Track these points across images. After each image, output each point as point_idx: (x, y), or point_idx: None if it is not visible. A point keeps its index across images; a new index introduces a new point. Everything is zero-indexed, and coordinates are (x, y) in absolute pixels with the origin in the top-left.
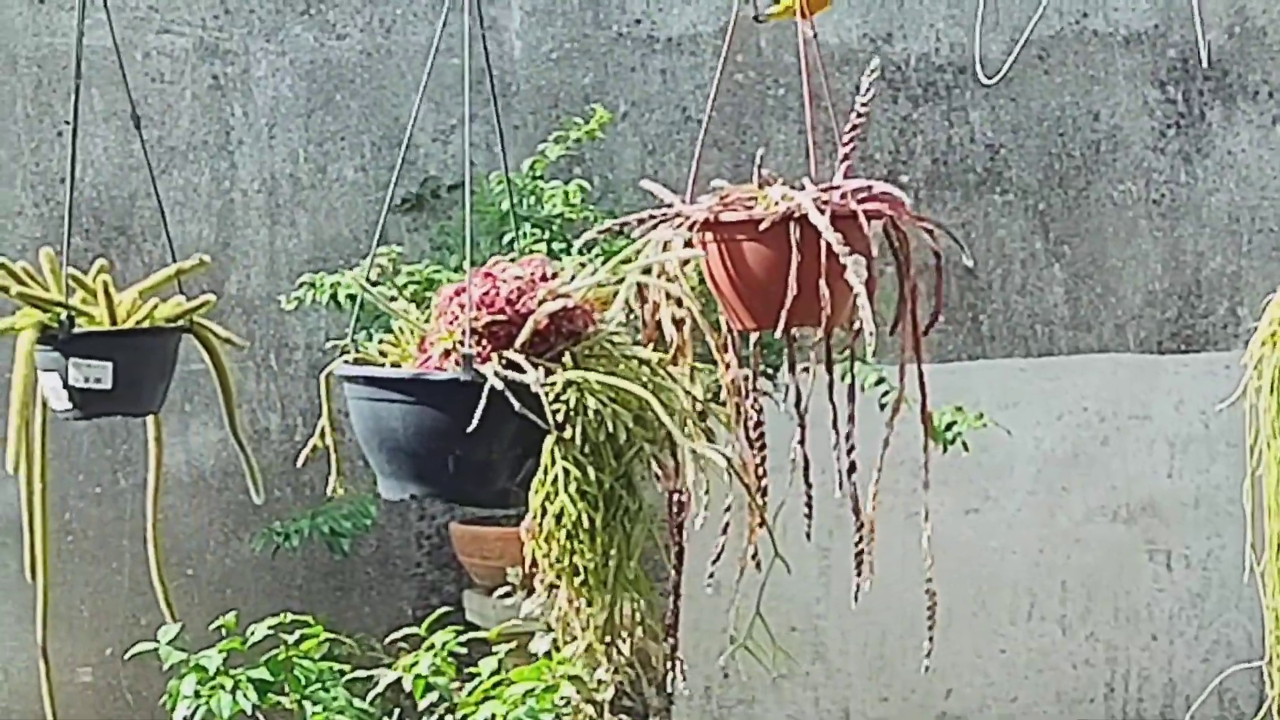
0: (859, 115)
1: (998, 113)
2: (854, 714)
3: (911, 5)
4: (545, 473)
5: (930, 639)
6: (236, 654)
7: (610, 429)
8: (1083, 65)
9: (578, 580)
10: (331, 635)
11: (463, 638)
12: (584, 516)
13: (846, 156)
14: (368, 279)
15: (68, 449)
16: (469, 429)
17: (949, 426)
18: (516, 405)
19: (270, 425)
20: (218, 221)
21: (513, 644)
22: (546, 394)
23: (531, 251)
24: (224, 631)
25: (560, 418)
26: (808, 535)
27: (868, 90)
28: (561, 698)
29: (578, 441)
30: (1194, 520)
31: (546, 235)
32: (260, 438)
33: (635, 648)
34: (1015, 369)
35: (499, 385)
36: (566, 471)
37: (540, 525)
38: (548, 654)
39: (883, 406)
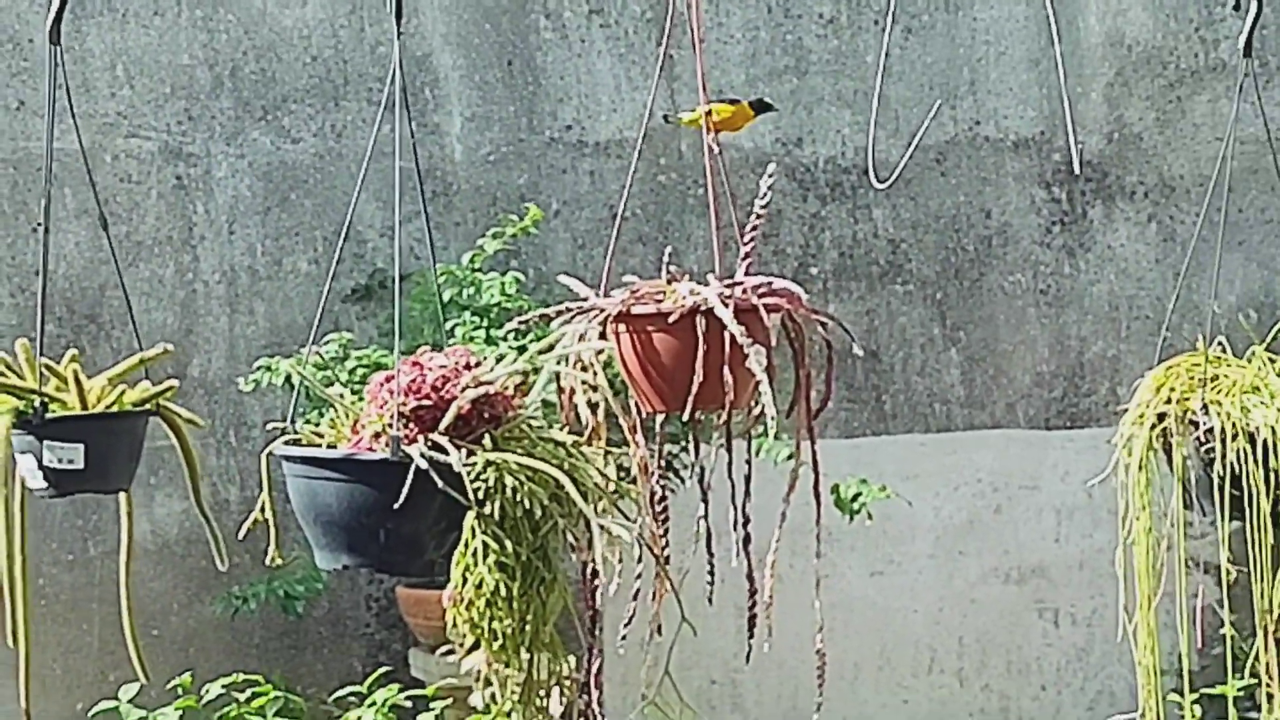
0: (758, 216)
1: (898, 211)
2: None
3: (820, 113)
4: (466, 545)
5: (820, 695)
6: (193, 711)
7: (527, 506)
8: (975, 168)
9: (496, 644)
10: (281, 693)
11: (409, 693)
12: (502, 586)
13: (748, 255)
14: (310, 365)
15: (42, 519)
16: (397, 505)
17: (855, 497)
18: (440, 483)
19: (230, 497)
20: (181, 310)
21: (450, 700)
22: (468, 473)
23: (471, 338)
24: (180, 690)
25: (480, 495)
26: (709, 600)
27: (765, 194)
28: None
29: (496, 517)
30: (1079, 582)
31: (485, 322)
32: (221, 508)
33: (568, 702)
34: (916, 444)
35: (424, 465)
36: (486, 545)
37: (461, 593)
38: (486, 708)
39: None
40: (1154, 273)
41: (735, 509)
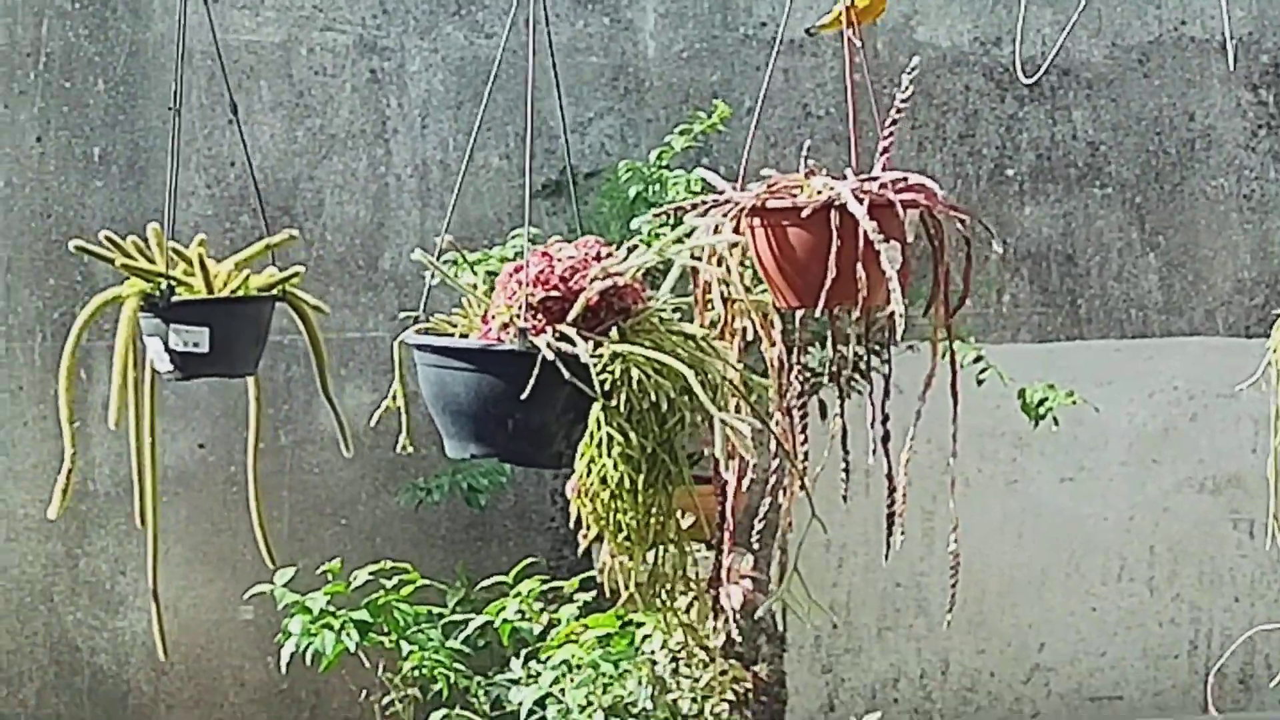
0: (898, 111)
1: (1099, 112)
2: (954, 665)
3: (1019, 11)
4: (592, 437)
5: (953, 599)
6: (342, 597)
7: (653, 399)
8: (1180, 69)
9: (620, 536)
10: (427, 580)
11: (551, 585)
12: (626, 478)
13: (885, 149)
14: (442, 259)
15: (234, 408)
16: (523, 396)
17: (1041, 403)
18: (567, 375)
19: (419, 389)
20: (374, 203)
21: (590, 594)
22: (594, 365)
23: (657, 235)
24: (329, 576)
25: (607, 387)
26: (844, 497)
27: (906, 89)
28: (641, 648)
29: (622, 409)
30: (1276, 492)
31: (671, 220)
32: (410, 401)
33: (744, 600)
34: (1111, 349)
35: (551, 356)
36: (611, 437)
37: (586, 485)
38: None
39: (980, 383)
40: None
41: (874, 407)
